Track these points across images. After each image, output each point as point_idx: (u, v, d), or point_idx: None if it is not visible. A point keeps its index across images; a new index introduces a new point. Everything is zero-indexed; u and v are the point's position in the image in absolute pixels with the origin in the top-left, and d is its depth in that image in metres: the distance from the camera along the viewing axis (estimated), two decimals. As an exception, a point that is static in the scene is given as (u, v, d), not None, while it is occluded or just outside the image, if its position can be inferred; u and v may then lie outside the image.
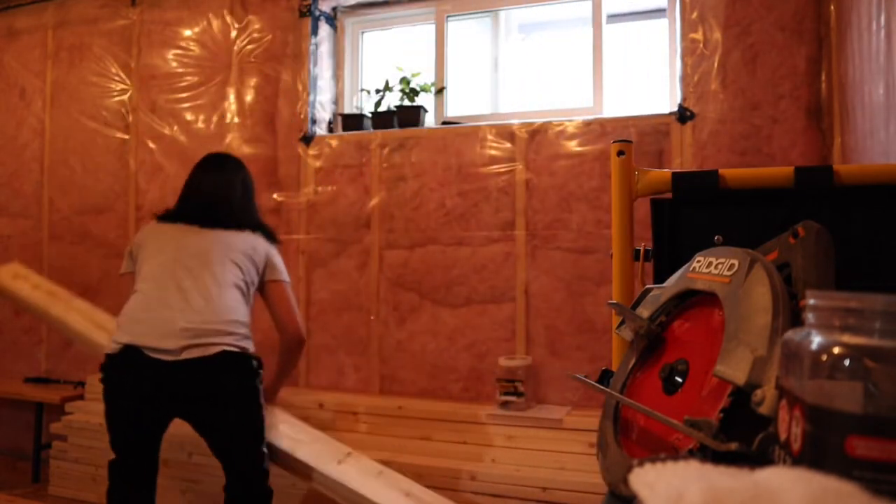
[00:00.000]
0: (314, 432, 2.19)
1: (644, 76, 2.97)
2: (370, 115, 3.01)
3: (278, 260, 2.02)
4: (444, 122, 2.91)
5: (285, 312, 2.00)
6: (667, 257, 1.02)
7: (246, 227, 1.97)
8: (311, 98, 3.01)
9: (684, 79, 2.47)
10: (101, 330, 2.16)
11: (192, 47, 3.24)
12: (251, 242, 1.95)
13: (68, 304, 2.28)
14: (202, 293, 1.79)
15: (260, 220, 2.09)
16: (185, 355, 1.71)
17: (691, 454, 0.60)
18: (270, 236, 2.04)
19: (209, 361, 1.73)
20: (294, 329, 2.00)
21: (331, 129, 3.10)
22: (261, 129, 3.10)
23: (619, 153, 1.08)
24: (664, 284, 0.86)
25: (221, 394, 1.78)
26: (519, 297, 2.63)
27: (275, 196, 3.05)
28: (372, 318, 2.86)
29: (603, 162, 2.51)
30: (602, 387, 0.84)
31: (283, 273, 2.02)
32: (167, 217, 1.98)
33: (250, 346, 1.86)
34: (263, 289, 1.99)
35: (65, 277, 3.44)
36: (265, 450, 1.92)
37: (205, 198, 1.99)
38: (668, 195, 1.05)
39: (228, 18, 3.17)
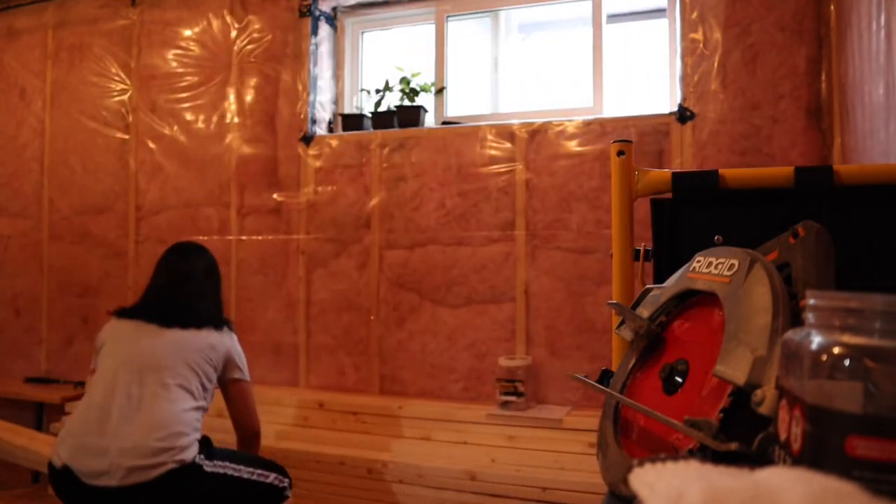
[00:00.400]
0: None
1: (644, 76, 2.97)
2: (370, 115, 3.01)
3: (239, 358, 1.96)
4: (444, 122, 2.91)
5: (244, 411, 1.99)
6: (667, 257, 1.02)
7: (205, 324, 1.91)
8: (311, 98, 3.02)
9: (684, 79, 2.47)
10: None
11: (192, 47, 3.24)
12: (210, 341, 1.88)
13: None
14: (146, 404, 1.73)
15: (220, 314, 2.03)
16: (126, 481, 1.63)
17: (691, 454, 0.60)
18: (230, 329, 1.99)
19: (153, 486, 1.65)
20: (251, 427, 2.02)
21: (331, 129, 3.10)
22: (261, 129, 3.10)
23: (619, 153, 1.08)
24: (664, 284, 0.86)
25: None
26: (519, 297, 2.63)
27: (275, 196, 3.05)
28: (372, 318, 2.86)
29: (603, 162, 2.52)
30: (602, 387, 0.84)
31: (244, 371, 1.97)
32: (126, 314, 2.02)
33: (194, 449, 1.76)
34: (224, 387, 1.95)
35: (65, 277, 3.44)
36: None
37: (164, 293, 2.03)
38: (668, 195, 1.05)
39: (228, 18, 3.17)
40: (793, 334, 0.48)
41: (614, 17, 2.83)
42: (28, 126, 3.56)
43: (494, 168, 2.69)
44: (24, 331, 3.54)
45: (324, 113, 3.08)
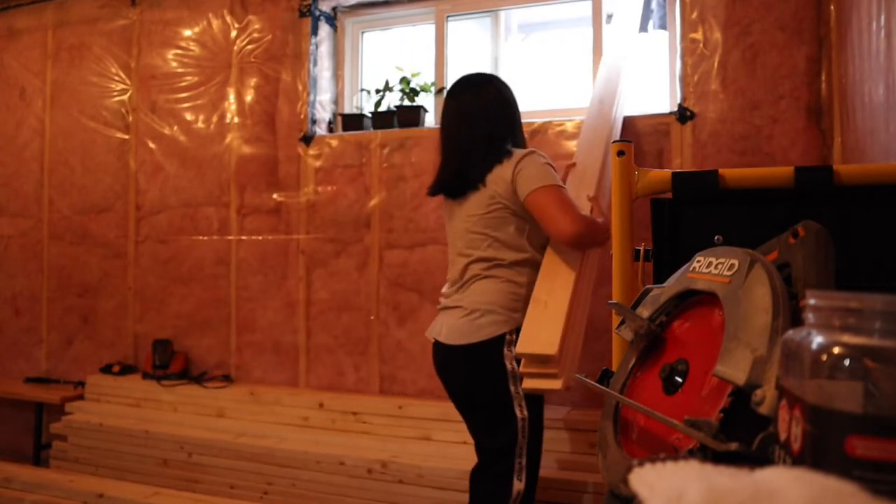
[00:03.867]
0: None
1: (644, 76, 2.97)
2: (370, 115, 3.01)
3: None
4: (444, 122, 2.91)
5: None
6: (667, 257, 1.02)
7: None
8: (311, 98, 3.02)
9: (684, 79, 2.47)
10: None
11: (192, 47, 3.24)
12: None
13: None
14: None
15: None
16: None
17: (691, 454, 0.60)
18: None
19: None
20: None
21: (331, 129, 3.10)
22: (261, 129, 3.10)
23: (619, 153, 1.08)
24: (664, 284, 0.86)
25: None
26: (519, 297, 2.62)
27: (275, 196, 3.05)
28: (372, 318, 2.86)
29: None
30: (602, 387, 0.84)
31: None
32: None
33: None
34: None
35: (65, 277, 3.44)
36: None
37: None
38: (668, 195, 1.05)
39: (228, 18, 3.17)
40: (793, 334, 0.48)
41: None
42: (28, 126, 3.56)
43: (494, 168, 2.69)
44: (24, 331, 3.54)
45: (324, 113, 3.08)
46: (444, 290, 1.80)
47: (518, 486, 1.61)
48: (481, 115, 1.74)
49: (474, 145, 1.72)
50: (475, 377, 1.67)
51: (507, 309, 1.64)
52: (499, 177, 1.67)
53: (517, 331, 1.58)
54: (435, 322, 1.77)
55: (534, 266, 1.69)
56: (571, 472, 2.21)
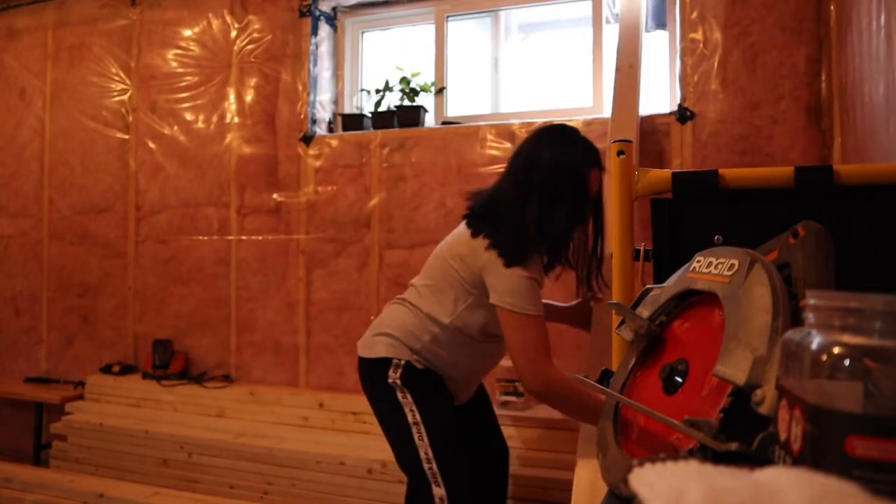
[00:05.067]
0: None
1: (644, 76, 2.97)
2: (370, 115, 3.01)
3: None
4: (444, 122, 2.91)
5: None
6: (667, 257, 1.02)
7: None
8: (311, 98, 3.02)
9: (684, 79, 2.47)
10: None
11: (192, 47, 3.24)
12: None
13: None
14: None
15: None
16: None
17: (691, 454, 0.60)
18: None
19: None
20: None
21: (331, 129, 3.10)
22: (261, 129, 3.10)
23: (619, 153, 1.08)
24: (664, 284, 0.86)
25: None
26: (519, 297, 2.62)
27: (275, 196, 3.05)
28: (372, 318, 2.86)
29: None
30: (602, 387, 0.84)
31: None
32: None
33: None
34: None
35: (65, 277, 3.44)
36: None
37: None
38: (669, 195, 1.05)
39: (228, 18, 3.17)
40: (793, 334, 0.48)
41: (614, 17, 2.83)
42: (28, 126, 3.56)
43: (494, 168, 2.69)
44: (24, 331, 3.54)
45: (324, 113, 3.08)
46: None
47: (439, 492, 1.55)
48: (541, 184, 1.52)
49: (528, 214, 1.51)
50: (367, 387, 1.71)
51: (405, 341, 1.60)
52: (480, 255, 1.52)
53: (407, 366, 1.58)
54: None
55: (448, 332, 1.59)
56: (571, 472, 2.21)
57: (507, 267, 1.48)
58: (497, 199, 1.58)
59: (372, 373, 1.64)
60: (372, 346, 1.64)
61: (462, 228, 1.66)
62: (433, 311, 1.60)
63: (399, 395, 1.59)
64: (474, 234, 1.57)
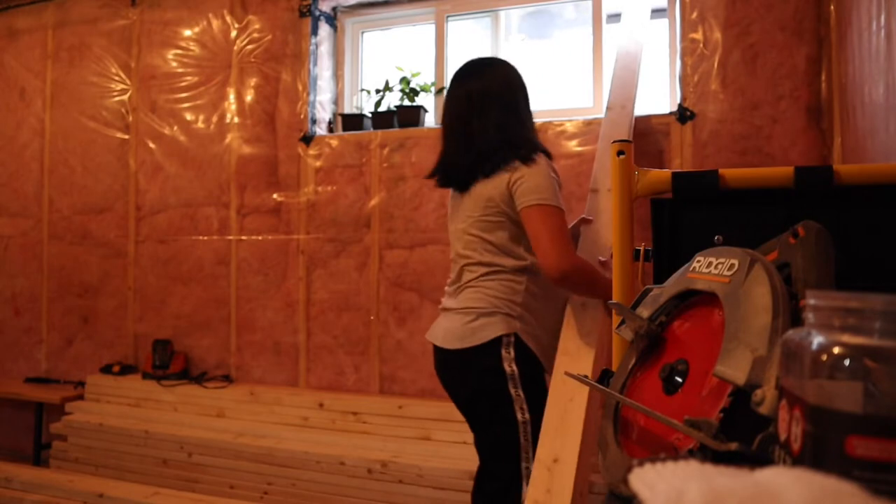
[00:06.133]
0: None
1: (644, 76, 2.97)
2: (370, 115, 3.01)
3: None
4: (444, 122, 2.91)
5: None
6: (667, 257, 1.02)
7: None
8: (311, 98, 3.02)
9: (684, 79, 2.47)
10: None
11: (192, 47, 3.24)
12: None
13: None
14: None
15: None
16: None
17: (691, 454, 0.60)
18: None
19: None
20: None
21: (331, 129, 3.10)
22: (261, 129, 3.10)
23: (619, 153, 1.08)
24: (664, 284, 0.86)
25: None
26: (519, 297, 2.62)
27: (275, 196, 3.05)
28: (372, 318, 2.86)
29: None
30: (602, 387, 0.84)
31: None
32: None
33: None
34: None
35: (65, 277, 3.44)
36: None
37: None
38: (668, 195, 1.05)
39: (228, 18, 3.17)
40: (793, 334, 0.48)
41: (614, 17, 2.83)
42: (28, 126, 3.56)
43: (494, 168, 2.69)
44: (24, 331, 3.54)
45: (324, 113, 3.08)
46: (445, 288, 1.75)
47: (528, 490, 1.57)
48: (492, 101, 1.60)
49: (485, 135, 1.58)
50: (473, 382, 1.60)
51: (504, 311, 1.55)
52: (501, 179, 1.55)
53: (515, 334, 1.54)
54: (434, 324, 1.71)
55: (533, 273, 1.60)
56: (571, 472, 2.21)
57: (526, 164, 1.52)
58: (470, 143, 1.61)
59: (479, 362, 1.56)
60: (470, 333, 1.56)
61: (463, 195, 1.67)
62: (507, 262, 1.57)
63: (511, 389, 1.53)
64: (485, 176, 1.58)
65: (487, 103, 1.60)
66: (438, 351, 1.65)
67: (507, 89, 1.64)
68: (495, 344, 1.54)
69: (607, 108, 2.10)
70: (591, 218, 1.79)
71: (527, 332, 1.56)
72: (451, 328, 1.60)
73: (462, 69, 1.70)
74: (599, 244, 1.69)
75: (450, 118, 1.67)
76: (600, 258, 1.62)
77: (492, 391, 1.55)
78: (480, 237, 1.60)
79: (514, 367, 1.54)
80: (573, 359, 1.42)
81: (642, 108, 2.60)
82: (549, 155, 1.60)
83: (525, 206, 1.50)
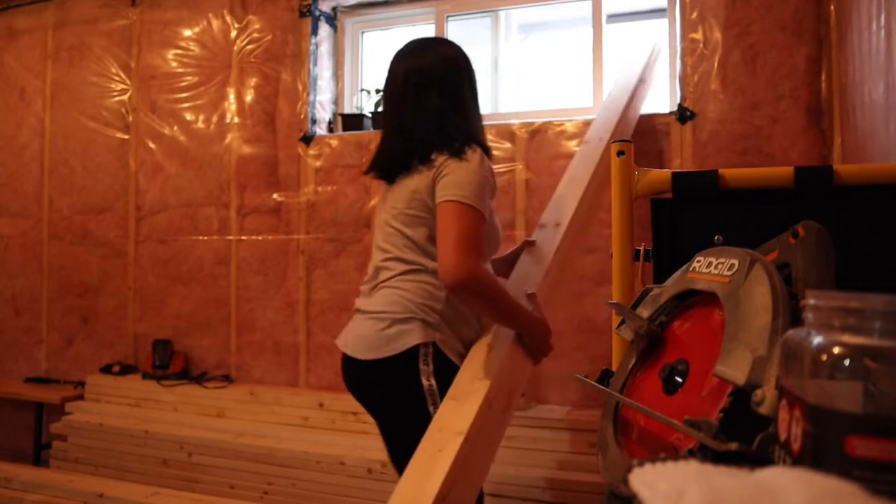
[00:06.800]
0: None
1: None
2: (370, 115, 3.01)
3: None
4: (444, 122, 2.91)
5: None
6: (667, 257, 1.02)
7: None
8: (311, 98, 3.02)
9: (684, 79, 2.47)
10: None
11: (192, 47, 3.24)
12: None
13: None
14: None
15: None
16: None
17: (691, 454, 0.60)
18: None
19: None
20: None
21: (331, 129, 3.10)
22: (261, 129, 3.10)
23: (619, 153, 1.08)
24: (664, 284, 0.86)
25: None
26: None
27: (275, 196, 3.05)
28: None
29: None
30: (602, 387, 0.84)
31: None
32: None
33: None
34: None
35: (65, 277, 3.44)
36: None
37: None
38: (668, 195, 1.05)
39: (228, 18, 3.17)
40: (793, 334, 0.48)
41: (614, 17, 2.83)
42: (28, 126, 3.56)
43: (494, 168, 2.69)
44: (24, 331, 3.54)
45: (324, 113, 3.08)
46: (361, 287, 1.53)
47: None
48: (431, 85, 1.44)
49: (421, 123, 1.42)
50: (387, 397, 1.41)
51: (421, 318, 1.36)
52: (428, 171, 1.38)
53: (434, 344, 1.36)
54: (346, 328, 1.49)
55: None
56: (571, 472, 2.21)
57: (456, 157, 1.36)
58: (406, 130, 1.44)
59: (393, 375, 1.38)
60: (386, 342, 1.36)
61: (392, 185, 1.48)
62: (429, 263, 1.38)
63: (430, 406, 1.34)
64: (415, 168, 1.41)
65: (426, 87, 1.44)
66: (347, 360, 1.44)
67: (449, 73, 1.46)
68: (412, 355, 1.35)
69: (584, 141, 1.99)
70: (533, 240, 1.69)
71: (447, 342, 1.38)
72: (362, 335, 1.40)
73: (404, 46, 1.53)
74: (532, 276, 1.53)
75: (386, 101, 1.51)
76: (527, 291, 1.44)
77: (408, 406, 1.36)
78: (401, 232, 1.42)
79: (433, 381, 1.35)
80: (459, 405, 1.22)
81: (642, 107, 2.60)
82: (488, 152, 1.46)
83: (441, 201, 1.32)
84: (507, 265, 1.67)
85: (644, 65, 2.41)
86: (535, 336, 1.39)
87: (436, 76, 1.45)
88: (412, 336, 1.35)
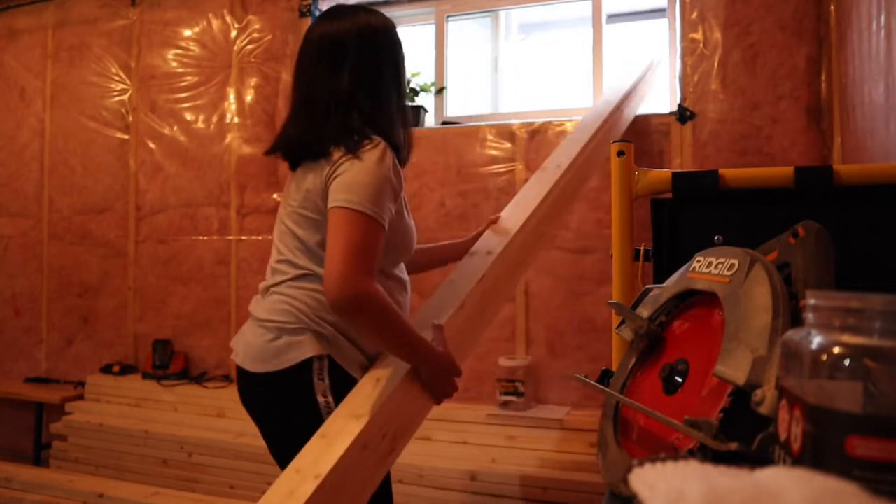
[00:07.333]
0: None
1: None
2: (370, 115, 3.00)
3: None
4: (444, 122, 2.91)
5: None
6: (667, 257, 1.02)
7: None
8: (311, 98, 3.01)
9: (684, 79, 2.47)
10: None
11: (192, 47, 3.24)
12: None
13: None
14: None
15: None
16: None
17: (691, 454, 0.60)
18: None
19: None
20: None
21: (331, 129, 3.10)
22: (261, 129, 3.10)
23: (619, 153, 1.08)
24: (664, 284, 0.86)
25: None
26: (519, 297, 2.62)
27: (275, 196, 3.05)
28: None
29: (603, 162, 2.51)
30: (602, 387, 0.84)
31: None
32: None
33: None
34: None
35: (65, 277, 3.44)
36: None
37: None
38: (668, 195, 1.05)
39: (228, 18, 3.17)
40: (793, 334, 0.48)
41: (614, 17, 2.83)
42: (28, 126, 3.56)
43: (494, 168, 2.69)
44: (24, 331, 3.54)
45: (324, 113, 3.08)
46: (259, 285, 1.37)
47: None
48: (344, 60, 1.24)
49: (326, 104, 1.24)
50: (280, 415, 1.29)
51: (313, 329, 1.23)
52: (322, 167, 1.21)
53: (329, 357, 1.23)
54: (239, 332, 1.35)
55: None
56: (571, 472, 2.21)
57: (353, 154, 1.18)
58: (309, 110, 1.26)
59: (285, 391, 1.25)
60: (275, 354, 1.23)
61: (294, 173, 1.32)
62: (321, 270, 1.18)
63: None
64: (313, 159, 1.24)
65: (338, 61, 1.24)
66: (238, 371, 1.33)
67: (366, 49, 1.26)
68: (304, 369, 1.22)
69: (542, 167, 1.88)
70: (498, 216, 1.58)
71: (344, 355, 1.25)
72: (252, 344, 1.27)
73: (328, 10, 1.33)
74: (446, 304, 1.37)
75: (297, 71, 1.32)
76: (435, 321, 1.27)
77: (303, 425, 1.19)
78: (294, 233, 1.27)
79: (331, 398, 1.22)
80: (328, 444, 1.08)
81: (642, 108, 2.60)
82: (397, 150, 1.27)
83: (331, 206, 1.15)
84: (468, 245, 1.57)
85: (624, 92, 2.28)
86: (433, 372, 1.21)
87: (350, 50, 1.24)
88: (303, 349, 1.22)
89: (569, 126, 2.60)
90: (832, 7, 2.21)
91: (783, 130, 2.33)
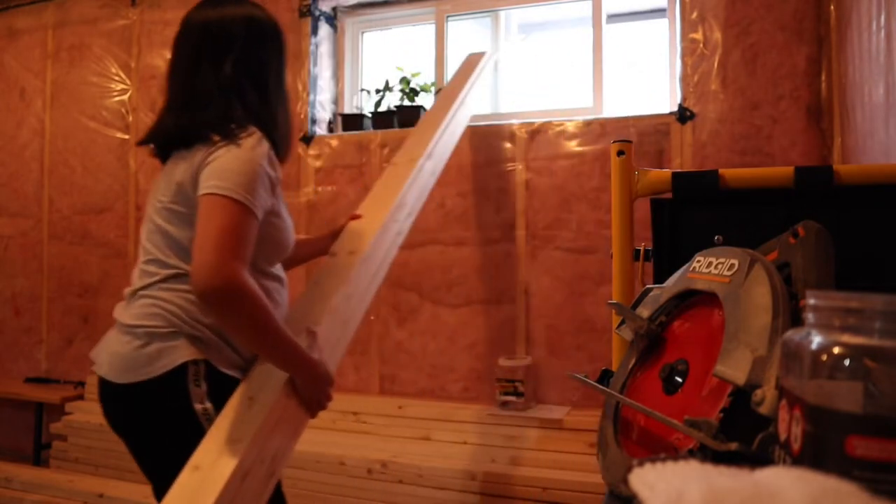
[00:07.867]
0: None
1: (644, 76, 2.97)
2: (370, 115, 3.01)
3: None
4: (444, 122, 2.90)
5: None
6: (667, 257, 1.02)
7: None
8: (311, 98, 3.01)
9: (684, 79, 2.47)
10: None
11: (192, 47, 3.24)
12: None
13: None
14: None
15: None
16: None
17: (691, 454, 0.60)
18: None
19: None
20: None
21: (331, 129, 3.10)
22: (261, 129, 3.09)
23: (619, 153, 1.08)
24: (664, 284, 0.86)
25: None
26: (519, 297, 2.63)
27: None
28: (372, 318, 2.86)
29: (603, 162, 2.51)
30: (602, 387, 0.84)
31: None
32: None
33: None
34: None
35: (65, 277, 3.44)
36: None
37: None
38: (668, 195, 1.05)
39: (228, 18, 3.17)
40: (793, 334, 0.48)
41: (614, 17, 2.83)
42: (28, 126, 3.56)
43: (494, 168, 2.69)
44: (24, 331, 3.54)
45: (324, 113, 3.08)
46: (125, 290, 1.29)
47: None
48: (228, 48, 1.20)
49: (206, 93, 1.20)
50: (152, 428, 1.19)
51: (187, 333, 1.15)
52: (195, 157, 1.17)
53: (206, 361, 1.15)
54: (102, 341, 1.26)
55: None
56: (571, 472, 2.21)
57: (230, 141, 1.13)
58: (188, 99, 1.24)
59: (157, 401, 1.15)
60: (145, 362, 1.14)
61: (164, 169, 1.29)
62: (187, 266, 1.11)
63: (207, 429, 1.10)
64: (186, 149, 1.22)
65: (224, 48, 1.20)
66: (102, 383, 1.21)
67: (255, 41, 1.22)
68: (178, 376, 1.13)
69: (392, 162, 1.82)
70: (359, 214, 1.54)
71: (221, 357, 1.17)
72: (118, 353, 1.17)
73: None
74: (317, 308, 1.28)
75: (175, 61, 1.27)
76: (310, 327, 1.20)
77: (179, 437, 1.13)
78: (163, 230, 1.21)
79: (209, 404, 1.14)
80: (203, 477, 0.98)
81: (642, 108, 2.60)
82: (276, 146, 1.22)
83: (200, 194, 1.09)
84: (326, 242, 1.53)
85: (472, 78, 2.27)
86: (307, 381, 1.15)
87: (237, 38, 1.20)
88: (177, 354, 1.14)
89: (569, 126, 2.60)
90: (832, 7, 2.21)
91: (783, 130, 2.33)
